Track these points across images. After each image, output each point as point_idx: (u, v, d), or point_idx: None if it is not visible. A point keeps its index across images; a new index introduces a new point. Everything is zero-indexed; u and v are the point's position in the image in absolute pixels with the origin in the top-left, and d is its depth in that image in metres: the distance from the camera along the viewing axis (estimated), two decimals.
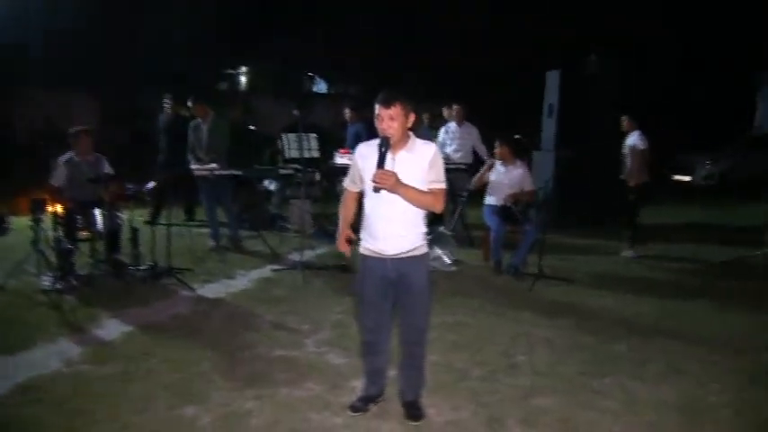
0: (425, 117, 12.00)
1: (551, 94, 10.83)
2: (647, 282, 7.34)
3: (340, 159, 9.46)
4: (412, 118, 3.47)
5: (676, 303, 6.42)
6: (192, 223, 9.41)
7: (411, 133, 3.52)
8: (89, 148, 6.80)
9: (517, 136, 8.26)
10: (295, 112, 7.62)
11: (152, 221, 8.32)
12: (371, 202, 3.53)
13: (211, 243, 8.26)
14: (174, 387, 4.12)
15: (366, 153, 3.53)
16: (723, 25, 20.10)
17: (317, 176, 9.48)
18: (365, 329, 3.78)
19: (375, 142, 3.50)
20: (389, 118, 3.38)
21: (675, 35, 19.90)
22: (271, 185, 10.59)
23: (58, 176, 6.64)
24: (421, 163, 3.46)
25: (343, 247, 3.78)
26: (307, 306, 6.01)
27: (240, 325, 5.45)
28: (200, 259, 7.58)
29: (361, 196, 3.68)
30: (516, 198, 7.45)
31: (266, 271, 7.34)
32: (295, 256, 7.70)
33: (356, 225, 3.75)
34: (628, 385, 4.32)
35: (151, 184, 7.10)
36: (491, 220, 7.53)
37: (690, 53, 20.40)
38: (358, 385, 4.12)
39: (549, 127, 10.87)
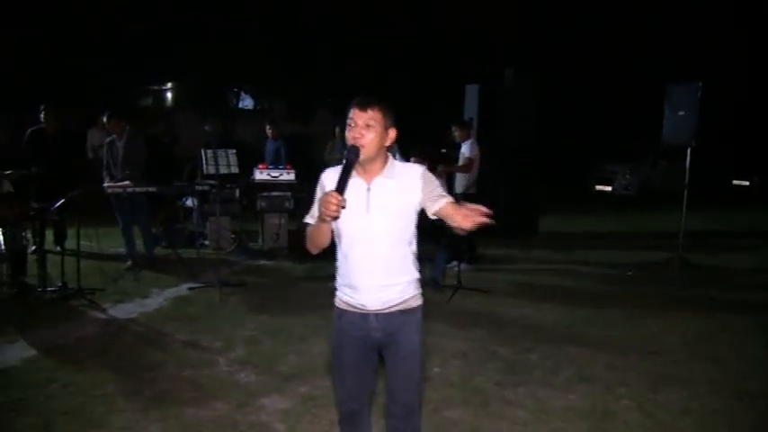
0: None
1: (471, 108, 10.96)
2: (563, 290, 7.51)
3: (259, 175, 9.41)
4: (392, 134, 2.75)
5: (590, 310, 6.59)
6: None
7: (390, 155, 2.82)
8: None
9: (444, 150, 8.32)
10: (206, 127, 7.49)
11: (61, 244, 8.05)
12: (346, 243, 2.79)
13: (127, 262, 8.03)
14: (74, 413, 3.97)
15: (333, 182, 2.69)
16: (644, 36, 20.87)
17: (237, 193, 9.39)
18: (341, 399, 2.97)
19: None
20: (364, 125, 2.66)
21: (597, 47, 20.51)
22: (189, 202, 10.41)
23: None
24: (405, 192, 2.74)
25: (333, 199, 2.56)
26: (220, 324, 5.90)
27: (149, 345, 5.32)
28: (113, 279, 7.36)
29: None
30: None
31: (182, 289, 7.18)
32: (212, 274, 7.56)
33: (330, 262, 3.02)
34: (539, 394, 4.41)
35: (59, 203, 6.85)
36: None
37: (613, 65, 21.06)
38: (267, 403, 4.06)
39: None
